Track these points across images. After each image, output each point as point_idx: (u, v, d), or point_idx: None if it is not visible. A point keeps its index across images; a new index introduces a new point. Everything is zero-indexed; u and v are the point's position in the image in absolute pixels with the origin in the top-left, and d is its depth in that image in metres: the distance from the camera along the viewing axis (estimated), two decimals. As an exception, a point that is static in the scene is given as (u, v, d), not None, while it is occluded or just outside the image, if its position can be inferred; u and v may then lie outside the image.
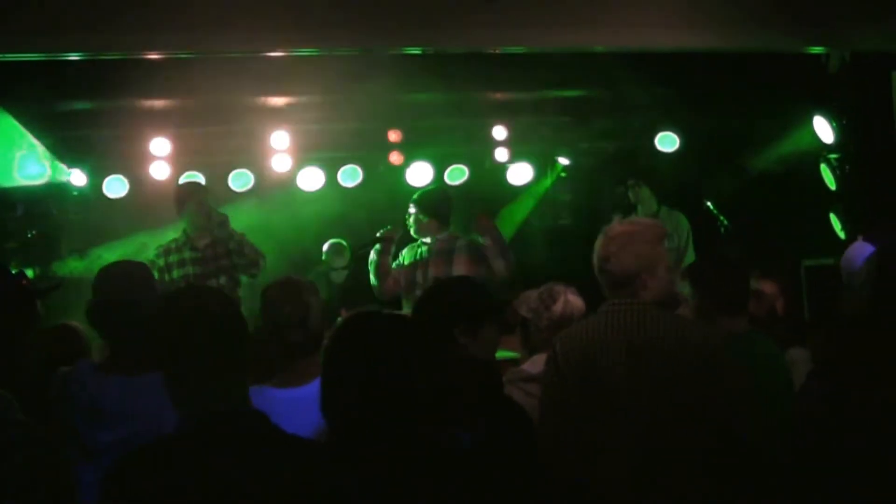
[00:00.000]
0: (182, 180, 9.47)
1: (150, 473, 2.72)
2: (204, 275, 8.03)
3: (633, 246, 4.11)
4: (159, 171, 9.84)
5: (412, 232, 7.86)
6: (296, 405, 3.50)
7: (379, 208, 9.87)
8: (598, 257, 4.19)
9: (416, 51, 7.17)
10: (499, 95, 9.77)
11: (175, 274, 8.12)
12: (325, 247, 10.13)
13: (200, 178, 9.71)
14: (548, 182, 11.10)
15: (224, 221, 8.00)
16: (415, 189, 9.60)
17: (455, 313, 4.31)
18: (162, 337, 2.90)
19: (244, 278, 8.24)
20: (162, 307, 2.97)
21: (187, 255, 8.15)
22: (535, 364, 4.86)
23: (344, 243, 10.14)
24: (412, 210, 7.85)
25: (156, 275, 7.61)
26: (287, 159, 9.93)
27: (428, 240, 7.90)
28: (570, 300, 5.03)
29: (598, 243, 4.23)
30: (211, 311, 2.90)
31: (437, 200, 8.05)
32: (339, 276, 10.10)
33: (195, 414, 2.81)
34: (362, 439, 3.01)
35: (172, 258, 8.16)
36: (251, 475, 2.71)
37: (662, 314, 4.05)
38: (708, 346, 3.93)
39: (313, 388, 3.21)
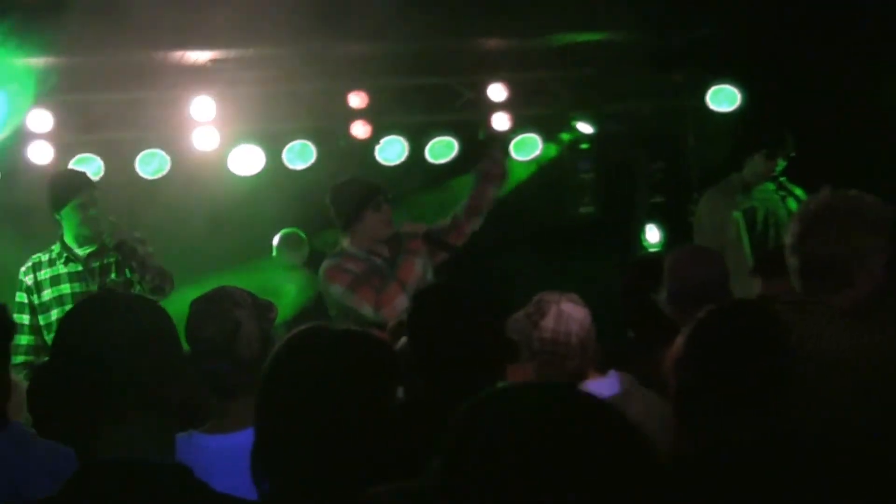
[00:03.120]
0: (67, 167, 8.74)
1: None
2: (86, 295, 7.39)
3: (844, 225, 3.90)
4: (39, 152, 8.89)
5: (383, 234, 7.28)
6: (230, 456, 3.42)
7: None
8: (793, 234, 4.02)
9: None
10: (493, 43, 9.42)
11: (46, 296, 7.54)
12: (276, 240, 9.57)
13: (97, 162, 8.95)
14: (553, 151, 10.51)
15: (118, 232, 7.42)
16: (388, 170, 9.62)
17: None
18: (52, 365, 2.90)
19: None
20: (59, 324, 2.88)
21: (63, 269, 7.55)
22: None
23: (301, 234, 9.55)
24: (385, 199, 7.35)
25: (22, 297, 7.58)
26: (214, 134, 9.15)
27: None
28: (566, 311, 4.68)
29: (797, 215, 4.11)
30: (113, 328, 2.69)
31: None
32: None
33: (90, 466, 2.63)
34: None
35: (44, 274, 7.58)
36: None
37: (864, 328, 3.93)
38: None
39: (247, 436, 3.10)
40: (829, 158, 8.36)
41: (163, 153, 9.15)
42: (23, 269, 7.61)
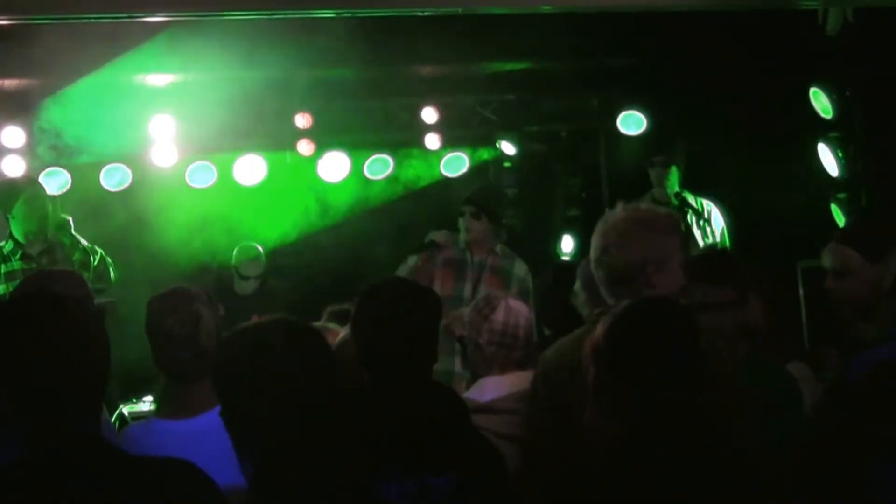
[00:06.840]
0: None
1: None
2: None
3: (639, 234, 4.03)
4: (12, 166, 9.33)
5: (462, 239, 7.48)
6: (187, 440, 3.48)
7: (286, 208, 9.87)
8: (596, 247, 4.12)
9: (328, 14, 6.80)
10: (427, 70, 9.73)
11: (2, 290, 7.76)
12: (237, 251, 9.86)
13: (65, 176, 9.46)
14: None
15: (65, 224, 7.75)
16: (328, 185, 10.14)
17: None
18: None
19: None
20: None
21: (17, 265, 7.80)
22: (483, 391, 4.76)
23: (260, 248, 9.90)
24: (468, 211, 7.45)
25: None
26: (172, 151, 9.69)
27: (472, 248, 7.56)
28: (513, 306, 4.88)
29: (597, 231, 4.16)
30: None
31: (497, 201, 7.85)
32: (247, 287, 9.86)
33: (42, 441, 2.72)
34: (277, 484, 2.90)
35: (1, 269, 7.83)
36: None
37: None
38: None
39: (207, 419, 3.29)
40: (727, 175, 8.94)
41: (124, 167, 9.70)
42: None
